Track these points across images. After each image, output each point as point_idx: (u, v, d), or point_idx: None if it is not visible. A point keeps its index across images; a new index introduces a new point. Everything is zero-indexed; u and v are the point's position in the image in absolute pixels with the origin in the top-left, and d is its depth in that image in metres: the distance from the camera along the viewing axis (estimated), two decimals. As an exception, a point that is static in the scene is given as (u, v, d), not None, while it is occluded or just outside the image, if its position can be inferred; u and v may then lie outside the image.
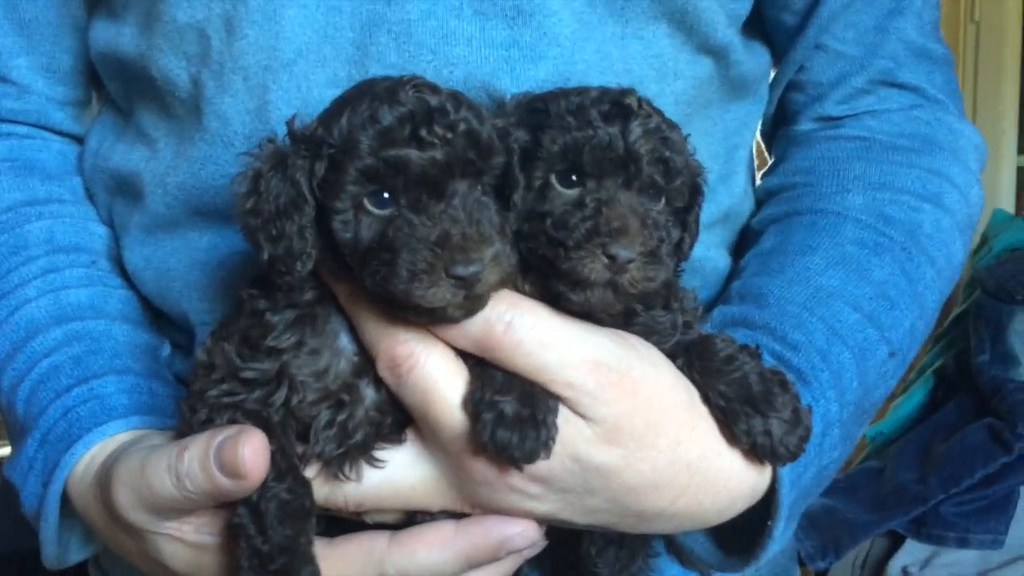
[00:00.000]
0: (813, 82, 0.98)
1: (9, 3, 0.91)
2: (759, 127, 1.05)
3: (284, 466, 0.66)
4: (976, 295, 2.40)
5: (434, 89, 0.65)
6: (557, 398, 0.67)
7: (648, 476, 0.69)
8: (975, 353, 2.29)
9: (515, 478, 0.67)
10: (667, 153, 0.68)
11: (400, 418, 0.70)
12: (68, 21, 0.94)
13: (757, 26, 0.98)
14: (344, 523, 0.73)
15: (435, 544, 0.69)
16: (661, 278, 0.67)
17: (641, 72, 0.83)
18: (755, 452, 0.71)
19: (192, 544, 0.70)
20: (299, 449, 0.69)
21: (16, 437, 0.85)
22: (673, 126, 0.70)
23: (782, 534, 0.77)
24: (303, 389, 0.68)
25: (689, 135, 0.73)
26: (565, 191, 0.68)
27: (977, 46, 3.13)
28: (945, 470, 2.11)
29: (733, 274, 0.93)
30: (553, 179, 0.68)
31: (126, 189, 0.90)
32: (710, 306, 0.89)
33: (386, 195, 0.64)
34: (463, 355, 0.68)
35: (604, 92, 0.69)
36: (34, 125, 0.96)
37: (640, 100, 0.69)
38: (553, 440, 0.66)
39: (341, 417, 0.68)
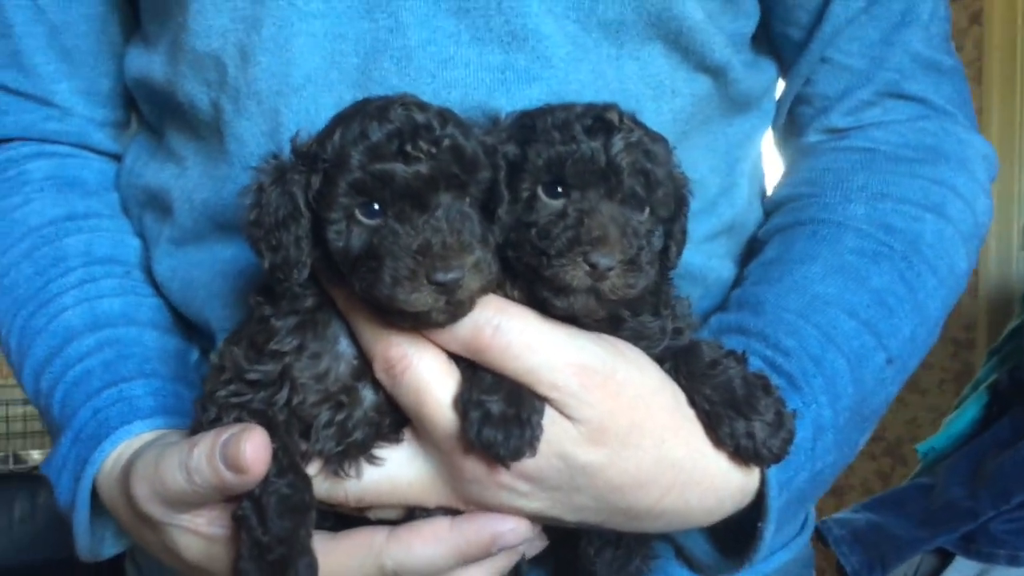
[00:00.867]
0: (819, 95, 1.00)
1: (52, 32, 0.98)
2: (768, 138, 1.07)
3: (286, 463, 0.70)
4: (1031, 309, 2.36)
5: (422, 107, 0.69)
6: (543, 399, 0.70)
7: (633, 475, 0.72)
8: (1030, 367, 2.25)
9: (504, 476, 0.70)
10: (648, 165, 0.71)
11: (398, 419, 0.74)
12: (107, 48, 1.01)
13: (765, 41, 1.01)
14: (350, 520, 0.77)
15: (430, 539, 0.72)
16: (642, 285, 0.70)
17: (637, 91, 0.86)
18: (739, 454, 0.73)
19: (205, 536, 0.75)
20: (303, 447, 0.73)
21: (53, 437, 0.91)
22: (657, 139, 0.73)
23: (774, 537, 0.79)
24: (304, 391, 0.72)
25: (675, 148, 0.76)
26: (551, 202, 0.71)
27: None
28: (996, 486, 2.08)
29: (736, 283, 0.95)
30: (540, 190, 0.71)
31: (156, 204, 0.96)
32: (713, 315, 0.91)
33: (375, 206, 0.68)
34: (456, 359, 0.72)
35: (588, 108, 0.72)
36: (75, 145, 1.03)
37: (622, 115, 0.72)
38: (538, 439, 0.69)
39: (340, 417, 0.72)
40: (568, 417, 0.70)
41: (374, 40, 0.81)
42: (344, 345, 0.74)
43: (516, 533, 0.73)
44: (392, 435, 0.74)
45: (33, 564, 3.11)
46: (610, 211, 0.70)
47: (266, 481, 0.69)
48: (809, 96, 1.01)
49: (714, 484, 0.74)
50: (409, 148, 0.67)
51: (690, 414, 0.74)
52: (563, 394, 0.70)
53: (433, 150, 0.67)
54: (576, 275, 0.68)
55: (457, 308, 0.68)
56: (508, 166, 0.72)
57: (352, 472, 0.73)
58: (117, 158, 1.05)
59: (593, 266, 0.67)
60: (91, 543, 0.86)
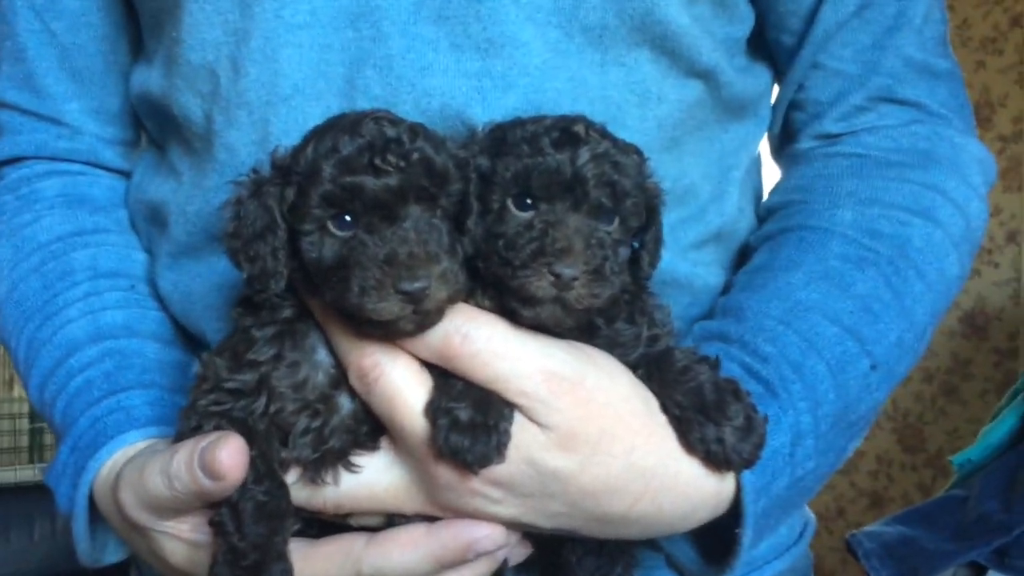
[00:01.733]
0: (812, 100, 1.00)
1: (63, 54, 1.02)
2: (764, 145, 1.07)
3: (263, 470, 0.72)
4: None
5: (394, 122, 0.71)
6: (512, 406, 0.71)
7: (604, 481, 0.72)
8: (1068, 378, 2.21)
9: (475, 482, 0.72)
10: (615, 176, 0.72)
11: (375, 427, 0.75)
12: (116, 68, 1.04)
13: (760, 47, 1.01)
14: (333, 528, 0.79)
15: (407, 545, 0.73)
16: (607, 294, 0.71)
17: (620, 98, 0.86)
18: (709, 459, 0.73)
19: (188, 542, 0.77)
20: (283, 455, 0.75)
21: (56, 445, 0.94)
22: (627, 150, 0.74)
23: (765, 545, 0.79)
24: (282, 399, 0.74)
25: (649, 159, 0.76)
26: (520, 214, 0.72)
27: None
28: (1031, 499, 2.04)
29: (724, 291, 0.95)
30: (509, 202, 0.73)
31: (157, 218, 0.99)
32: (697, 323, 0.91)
33: (347, 218, 0.70)
34: (430, 367, 0.73)
35: (557, 120, 0.74)
36: (86, 163, 1.06)
37: (589, 127, 0.73)
38: (505, 445, 0.70)
39: (316, 424, 0.74)
40: (537, 423, 0.71)
41: (358, 49, 0.83)
42: (322, 355, 0.76)
43: (491, 539, 0.74)
44: (369, 443, 0.75)
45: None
46: (576, 223, 0.71)
47: (243, 488, 0.71)
48: (802, 102, 1.00)
49: (687, 490, 0.74)
50: (379, 161, 0.69)
51: (662, 420, 0.75)
52: (532, 400, 0.71)
53: (402, 163, 0.69)
54: (541, 285, 0.69)
55: (424, 317, 0.69)
56: (479, 178, 0.74)
57: (330, 479, 0.75)
58: (127, 175, 1.09)
59: (557, 276, 0.68)
60: (92, 549, 0.89)
